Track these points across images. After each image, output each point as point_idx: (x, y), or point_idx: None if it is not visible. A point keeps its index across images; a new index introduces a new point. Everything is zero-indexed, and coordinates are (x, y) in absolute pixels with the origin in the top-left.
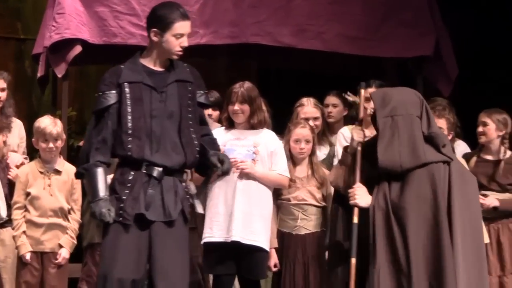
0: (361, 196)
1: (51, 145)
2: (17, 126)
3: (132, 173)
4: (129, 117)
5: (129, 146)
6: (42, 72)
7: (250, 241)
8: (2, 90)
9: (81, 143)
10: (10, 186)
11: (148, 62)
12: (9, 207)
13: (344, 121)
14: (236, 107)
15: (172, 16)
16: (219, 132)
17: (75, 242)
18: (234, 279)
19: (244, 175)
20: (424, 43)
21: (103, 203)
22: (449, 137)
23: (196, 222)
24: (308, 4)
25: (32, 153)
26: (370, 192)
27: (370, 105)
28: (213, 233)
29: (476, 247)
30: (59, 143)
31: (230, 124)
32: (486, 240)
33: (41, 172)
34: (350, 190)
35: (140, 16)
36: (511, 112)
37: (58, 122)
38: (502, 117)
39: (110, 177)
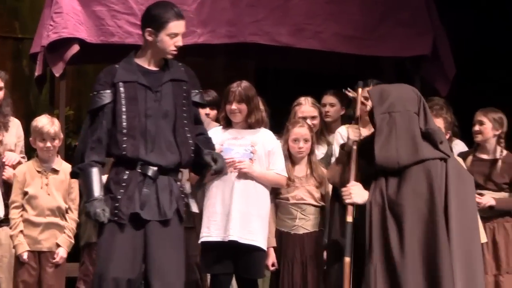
0: (357, 193)
1: (48, 144)
2: (15, 125)
3: (127, 172)
4: (124, 116)
5: (124, 145)
6: (39, 71)
7: (248, 241)
8: (0, 89)
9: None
10: (7, 186)
11: (143, 62)
12: (5, 206)
13: (342, 121)
14: (234, 106)
15: (167, 15)
16: (216, 132)
17: (73, 241)
18: (231, 278)
19: (242, 174)
20: (421, 42)
21: (97, 203)
22: (447, 137)
23: (194, 222)
24: (306, 3)
25: (29, 152)
26: (367, 189)
27: (369, 103)
28: (210, 232)
29: (472, 245)
30: (57, 142)
31: (227, 124)
32: (484, 239)
33: (38, 172)
34: (344, 189)
35: (137, 15)
36: (510, 111)
37: (56, 121)
38: (498, 116)
39: (105, 177)
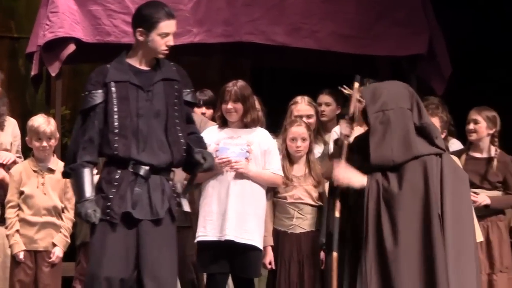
0: (343, 175)
1: (44, 143)
2: (11, 124)
3: (119, 172)
4: (116, 116)
5: (116, 145)
6: (35, 70)
7: (244, 240)
8: None
9: None
10: (0, 186)
11: (134, 62)
12: (1, 206)
13: (337, 120)
14: (229, 105)
15: (157, 15)
16: (212, 131)
17: (69, 240)
18: (227, 277)
19: (238, 174)
20: (417, 41)
21: (88, 204)
22: (442, 136)
23: (191, 221)
24: (302, 2)
25: (26, 151)
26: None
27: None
28: (206, 232)
29: (467, 240)
30: (53, 142)
31: (223, 123)
32: (480, 238)
33: (34, 171)
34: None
35: None
36: (507, 111)
37: (52, 120)
38: (492, 114)
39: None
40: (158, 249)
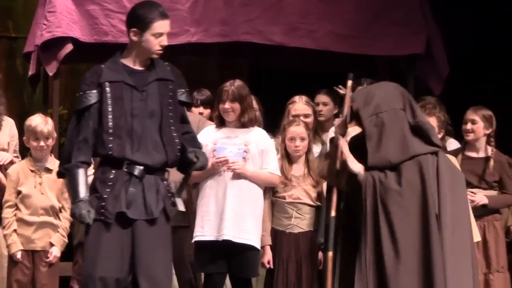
0: (350, 158)
1: (42, 143)
2: (8, 124)
3: (113, 171)
4: (110, 116)
5: (110, 145)
6: (33, 70)
7: (242, 240)
8: None
9: None
10: None
11: (129, 62)
12: None
13: (335, 119)
14: (227, 105)
15: (151, 15)
16: (210, 131)
17: (66, 240)
18: (225, 277)
19: (235, 174)
20: (415, 41)
21: (82, 205)
22: (440, 135)
23: (189, 221)
24: (299, 2)
25: (23, 151)
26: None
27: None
28: (204, 231)
29: (464, 238)
30: (50, 142)
31: (221, 123)
32: (478, 238)
33: (32, 171)
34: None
35: None
36: (505, 111)
37: (49, 120)
38: (488, 114)
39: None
40: (152, 249)
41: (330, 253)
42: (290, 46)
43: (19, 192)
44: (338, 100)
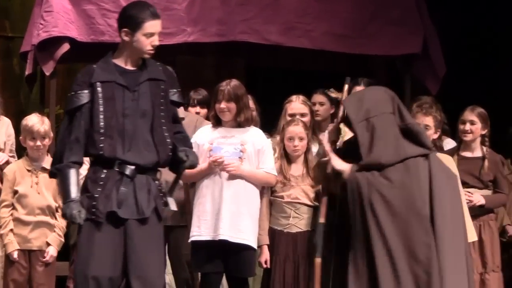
0: (335, 158)
1: (38, 143)
2: (5, 124)
3: (105, 171)
4: (101, 116)
5: (101, 145)
6: (30, 70)
7: (238, 240)
8: None
9: None
10: None
11: (120, 62)
12: None
13: (331, 119)
14: (223, 105)
15: (142, 15)
16: (206, 130)
17: (63, 240)
18: (222, 277)
19: (231, 173)
20: (412, 41)
21: (74, 205)
22: (436, 135)
23: (187, 220)
24: (296, 2)
25: (20, 151)
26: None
27: None
28: (200, 231)
29: (459, 241)
30: (47, 141)
31: (217, 122)
32: (475, 237)
33: (28, 170)
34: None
35: None
36: (500, 110)
37: (46, 120)
38: (485, 115)
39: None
40: (145, 249)
41: (319, 260)
42: (287, 46)
43: (15, 192)
44: (335, 100)
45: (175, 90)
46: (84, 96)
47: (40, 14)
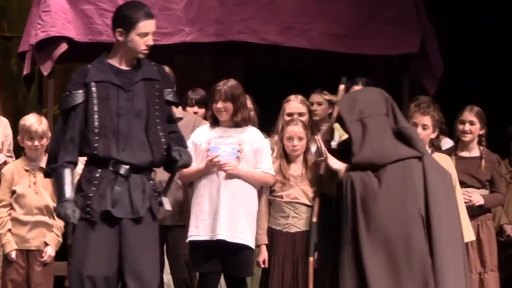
0: (331, 158)
1: (36, 143)
2: (2, 124)
3: (99, 170)
4: (96, 116)
5: (96, 145)
6: (28, 70)
7: (236, 240)
8: None
9: None
10: None
11: (115, 61)
12: None
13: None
14: (219, 105)
15: (136, 15)
16: (204, 130)
17: (61, 240)
18: (220, 277)
19: (229, 173)
20: (410, 40)
21: (68, 204)
22: (434, 135)
23: (185, 220)
24: (294, 1)
25: (18, 151)
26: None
27: None
28: (198, 231)
29: (455, 241)
30: (45, 141)
31: (214, 122)
32: (472, 237)
33: (26, 170)
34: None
35: None
36: (498, 109)
37: (44, 120)
38: (483, 115)
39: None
40: (140, 249)
41: (311, 258)
42: (285, 46)
43: (13, 192)
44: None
45: (169, 89)
46: (79, 96)
47: (38, 14)
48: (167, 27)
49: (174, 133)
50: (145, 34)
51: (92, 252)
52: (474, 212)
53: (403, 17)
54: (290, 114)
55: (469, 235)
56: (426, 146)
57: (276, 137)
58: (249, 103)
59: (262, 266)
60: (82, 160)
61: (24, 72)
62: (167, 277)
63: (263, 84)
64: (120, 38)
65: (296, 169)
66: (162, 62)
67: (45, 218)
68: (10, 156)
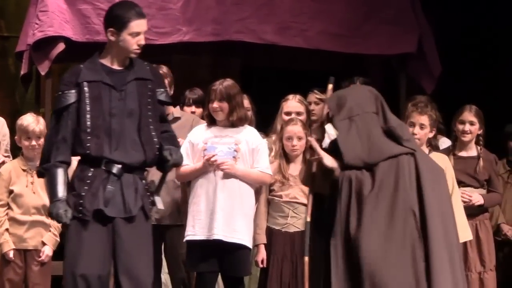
0: (326, 156)
1: (33, 142)
2: (0, 124)
3: (92, 170)
4: (88, 115)
5: (88, 144)
6: (25, 69)
7: (233, 239)
8: None
9: None
10: None
11: (107, 61)
12: None
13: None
14: (215, 104)
15: (128, 15)
16: (200, 130)
17: (58, 239)
18: (217, 276)
19: (226, 173)
20: (407, 40)
21: (60, 204)
22: (432, 134)
23: (183, 220)
24: (291, 1)
25: (15, 150)
26: None
27: None
28: (195, 231)
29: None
30: (42, 141)
31: (211, 122)
32: (470, 236)
33: (24, 170)
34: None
35: None
36: (496, 109)
37: (41, 119)
38: (482, 114)
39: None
40: (133, 247)
41: (306, 258)
42: (282, 45)
43: (11, 191)
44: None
45: (162, 89)
46: (71, 95)
47: (35, 14)
48: (164, 26)
49: (167, 132)
50: (136, 33)
51: (85, 251)
52: (473, 211)
53: (400, 16)
54: (288, 113)
55: (466, 234)
56: (423, 146)
57: (273, 137)
58: (246, 103)
59: (261, 265)
60: (76, 160)
61: (22, 72)
62: (165, 277)
63: (260, 83)
64: (112, 38)
65: (296, 168)
66: (160, 61)
67: (43, 218)
68: (8, 156)
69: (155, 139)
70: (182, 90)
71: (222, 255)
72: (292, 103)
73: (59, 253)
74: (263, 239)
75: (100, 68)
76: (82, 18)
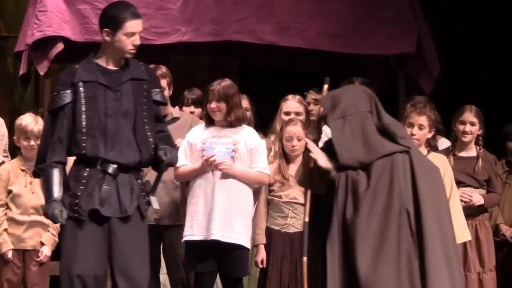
0: (319, 154)
1: (32, 142)
2: None
3: (87, 170)
4: (83, 116)
5: (83, 144)
6: (24, 69)
7: (231, 240)
8: None
9: None
10: None
11: (102, 62)
12: None
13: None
14: (213, 105)
15: (123, 15)
16: (199, 130)
17: (57, 239)
18: (215, 276)
19: (224, 173)
20: (406, 40)
21: (55, 204)
22: (431, 134)
23: (182, 220)
24: (290, 1)
25: (13, 150)
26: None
27: None
28: (193, 231)
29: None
30: None
31: (209, 122)
32: (469, 237)
33: (22, 170)
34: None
35: None
36: (496, 110)
37: (40, 120)
38: (482, 114)
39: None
40: (129, 248)
41: (305, 258)
42: (281, 45)
43: (9, 192)
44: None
45: (157, 89)
46: (67, 96)
47: (34, 14)
48: (163, 26)
49: (162, 132)
50: (132, 34)
51: (81, 251)
52: (473, 212)
53: (399, 16)
54: (287, 113)
55: (465, 235)
56: (422, 146)
57: (272, 137)
58: (245, 103)
59: (260, 266)
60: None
61: (21, 72)
62: (163, 277)
63: (259, 83)
64: (107, 38)
65: (295, 169)
66: (159, 61)
67: (41, 218)
68: (6, 156)
69: (151, 139)
70: (181, 90)
71: (220, 255)
72: (292, 103)
73: (57, 253)
74: (262, 239)
75: (95, 68)
76: (81, 18)
